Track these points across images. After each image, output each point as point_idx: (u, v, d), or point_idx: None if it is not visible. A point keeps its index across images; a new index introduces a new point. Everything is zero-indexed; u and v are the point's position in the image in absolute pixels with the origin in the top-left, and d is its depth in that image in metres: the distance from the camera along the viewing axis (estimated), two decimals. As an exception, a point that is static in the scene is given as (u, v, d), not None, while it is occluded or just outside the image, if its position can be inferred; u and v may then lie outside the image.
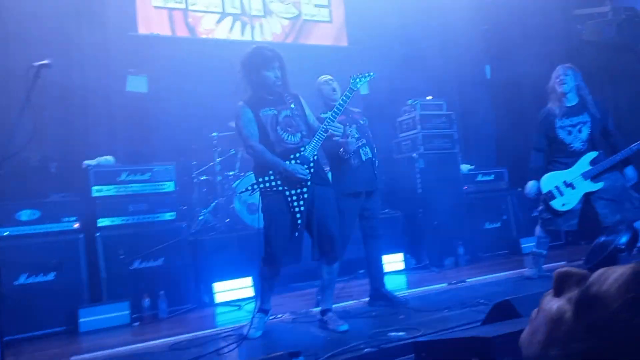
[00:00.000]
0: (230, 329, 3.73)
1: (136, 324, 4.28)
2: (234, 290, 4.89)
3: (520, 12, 6.61)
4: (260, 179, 3.43)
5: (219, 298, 4.81)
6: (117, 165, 4.83)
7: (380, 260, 4.23)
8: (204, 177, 5.67)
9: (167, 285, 4.49)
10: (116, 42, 5.73)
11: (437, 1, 6.69)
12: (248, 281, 4.96)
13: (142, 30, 6.16)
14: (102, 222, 4.56)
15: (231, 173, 5.60)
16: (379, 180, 4.17)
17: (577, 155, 4.23)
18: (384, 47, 6.63)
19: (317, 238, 3.43)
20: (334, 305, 3.67)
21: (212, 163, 5.60)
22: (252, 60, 3.47)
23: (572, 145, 4.24)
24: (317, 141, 3.45)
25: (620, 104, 6.34)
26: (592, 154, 4.20)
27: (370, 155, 4.03)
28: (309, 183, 3.37)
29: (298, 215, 3.36)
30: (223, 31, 6.67)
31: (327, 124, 3.45)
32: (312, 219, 3.41)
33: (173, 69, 5.84)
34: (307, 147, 3.43)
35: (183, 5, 6.45)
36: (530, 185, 4.41)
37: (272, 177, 3.38)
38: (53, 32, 5.23)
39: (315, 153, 3.45)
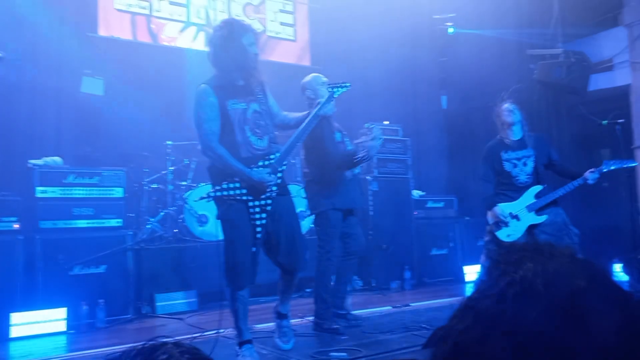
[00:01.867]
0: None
1: (72, 332, 4.12)
2: (176, 302, 4.79)
3: (477, 47, 6.87)
4: (223, 185, 3.02)
5: (160, 310, 4.70)
6: (64, 167, 4.68)
7: (351, 280, 4.25)
8: (154, 185, 5.56)
9: (107, 293, 4.35)
10: (73, 41, 5.60)
11: (398, 29, 6.87)
12: (192, 294, 4.87)
13: (102, 32, 6.06)
14: (44, 224, 4.39)
15: (183, 183, 5.53)
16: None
17: (522, 188, 4.38)
18: (345, 70, 6.73)
19: (285, 249, 3.16)
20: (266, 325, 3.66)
21: (164, 172, 5.51)
22: (228, 27, 2.98)
23: (517, 177, 4.39)
24: (288, 149, 3.13)
25: (564, 142, 6.64)
26: (537, 188, 4.35)
27: (357, 170, 4.04)
28: (274, 194, 3.07)
29: (259, 229, 3.03)
30: (186, 40, 6.63)
31: (301, 133, 3.17)
32: (279, 231, 3.14)
33: (131, 73, 5.76)
34: (276, 154, 3.09)
35: (147, 11, 6.39)
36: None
37: (236, 185, 3.00)
38: (6, 24, 5.07)
39: (285, 162, 3.17)
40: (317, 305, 3.89)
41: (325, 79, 4.01)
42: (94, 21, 6.00)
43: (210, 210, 5.20)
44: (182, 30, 6.61)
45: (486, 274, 0.65)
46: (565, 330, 0.56)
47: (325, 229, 3.86)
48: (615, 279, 0.61)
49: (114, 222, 4.68)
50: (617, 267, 5.68)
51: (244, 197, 3.02)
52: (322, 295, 3.87)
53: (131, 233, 4.76)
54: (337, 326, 3.78)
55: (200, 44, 6.70)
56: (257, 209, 3.03)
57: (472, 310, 0.62)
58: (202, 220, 5.20)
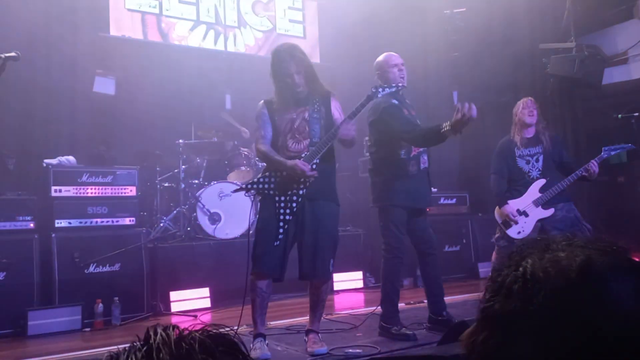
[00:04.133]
0: (184, 339, 3.66)
1: (87, 329, 4.16)
2: (190, 300, 4.81)
3: (489, 41, 6.81)
4: (255, 179, 3.28)
5: (174, 307, 4.72)
6: (78, 166, 4.72)
7: (440, 279, 3.79)
8: (167, 184, 5.59)
9: (122, 291, 4.38)
10: (86, 42, 5.65)
11: (408, 25, 6.83)
12: (205, 292, 4.89)
13: (114, 32, 6.09)
14: (59, 223, 4.43)
15: (195, 181, 5.55)
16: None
17: (532, 183, 4.35)
18: (354, 66, 6.72)
19: (304, 256, 3.19)
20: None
21: (176, 170, 5.53)
22: (271, 65, 3.28)
23: (530, 174, 4.36)
24: (316, 150, 3.17)
25: (578, 137, 6.58)
26: (541, 182, 4.32)
27: (427, 164, 3.74)
28: (301, 192, 3.15)
29: (281, 224, 3.14)
30: (196, 39, 6.65)
31: (332, 134, 3.18)
32: (302, 236, 3.18)
33: (142, 73, 5.79)
34: (306, 154, 3.17)
35: (157, 10, 6.41)
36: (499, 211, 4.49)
37: (265, 180, 3.22)
38: (20, 24, 5.12)
39: (315, 162, 3.18)
40: (382, 306, 3.66)
41: (392, 62, 3.69)
42: (105, 21, 6.03)
43: (223, 208, 5.22)
44: (192, 29, 6.63)
45: (490, 280, 0.66)
46: (579, 304, 0.56)
47: (386, 224, 3.65)
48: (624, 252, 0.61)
49: (128, 221, 4.71)
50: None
51: (271, 192, 3.20)
52: (388, 295, 3.63)
53: (145, 231, 4.79)
54: (409, 332, 3.51)
55: (210, 43, 6.72)
56: (282, 204, 3.16)
57: (485, 319, 0.63)
58: (214, 218, 5.21)
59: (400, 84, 3.47)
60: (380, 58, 3.77)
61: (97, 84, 5.67)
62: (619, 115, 4.89)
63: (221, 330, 0.69)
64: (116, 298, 4.30)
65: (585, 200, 6.14)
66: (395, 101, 3.64)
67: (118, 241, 4.51)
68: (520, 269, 0.62)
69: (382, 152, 3.71)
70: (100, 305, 4.23)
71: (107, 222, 4.62)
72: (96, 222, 4.57)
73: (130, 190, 4.75)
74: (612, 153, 4.27)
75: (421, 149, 3.67)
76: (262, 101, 3.37)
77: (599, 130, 6.92)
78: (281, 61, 3.23)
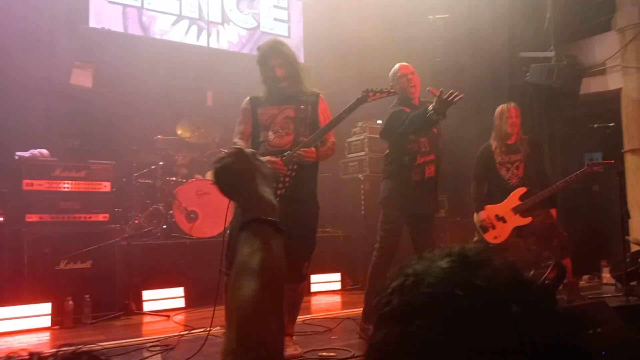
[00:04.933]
0: (156, 340, 3.60)
1: (57, 327, 4.06)
2: (164, 299, 4.74)
3: (471, 48, 6.86)
4: None
5: (147, 307, 4.64)
6: (51, 160, 4.60)
7: None
8: (143, 181, 5.50)
9: (94, 289, 4.29)
10: (64, 32, 5.52)
11: (393, 28, 6.84)
12: (180, 291, 4.82)
13: (93, 23, 5.97)
14: (31, 217, 4.32)
15: (173, 178, 5.46)
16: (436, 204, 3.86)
17: (512, 190, 4.39)
18: (338, 67, 6.70)
19: None
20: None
21: (153, 167, 5.44)
22: (257, 59, 3.29)
23: (509, 181, 4.40)
24: (295, 154, 3.11)
25: (554, 145, 6.66)
26: (522, 190, 4.36)
27: (434, 174, 3.69)
28: (279, 192, 3.08)
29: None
30: (178, 34, 6.56)
31: (316, 136, 3.14)
32: None
33: (121, 66, 5.68)
34: (288, 152, 3.11)
35: (138, 3, 6.31)
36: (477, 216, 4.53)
37: None
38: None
39: (294, 166, 3.12)
40: (364, 305, 3.69)
41: (396, 72, 3.76)
42: (85, 12, 5.91)
43: (200, 206, 5.15)
44: (174, 24, 6.54)
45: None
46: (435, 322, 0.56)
47: (380, 224, 3.72)
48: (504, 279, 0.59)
49: (101, 217, 4.61)
50: (605, 270, 5.72)
51: None
52: (369, 295, 3.66)
53: (119, 228, 4.70)
54: None
55: (192, 38, 6.63)
56: None
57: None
58: (191, 216, 5.14)
59: (392, 90, 3.46)
60: (392, 70, 3.83)
61: (74, 76, 5.55)
62: (595, 125, 4.96)
63: (83, 349, 0.74)
64: (87, 296, 4.21)
65: (561, 208, 6.22)
66: (405, 109, 3.68)
67: (91, 238, 4.41)
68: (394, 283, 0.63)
69: (391, 157, 3.79)
70: (71, 302, 4.13)
71: (80, 217, 4.51)
72: (69, 217, 4.46)
73: (105, 186, 4.66)
74: (595, 169, 4.33)
75: (427, 159, 3.66)
76: (248, 97, 3.36)
77: (575, 138, 7.03)
78: (264, 54, 3.25)
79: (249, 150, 1.03)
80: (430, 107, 3.32)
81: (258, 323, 0.77)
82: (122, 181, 5.36)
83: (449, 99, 3.25)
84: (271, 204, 0.97)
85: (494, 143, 4.46)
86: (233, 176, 1.00)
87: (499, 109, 4.50)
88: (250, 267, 0.83)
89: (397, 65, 3.82)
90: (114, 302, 4.46)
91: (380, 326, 0.62)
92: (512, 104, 4.49)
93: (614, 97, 6.42)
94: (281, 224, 0.93)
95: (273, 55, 3.22)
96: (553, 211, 4.44)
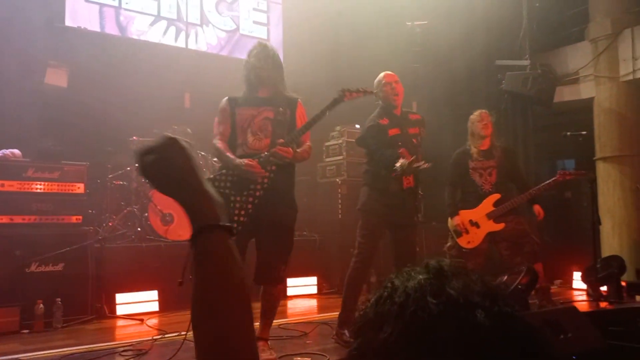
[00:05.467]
0: (129, 344, 3.55)
1: (26, 332, 3.97)
2: (138, 303, 4.68)
3: (448, 55, 6.94)
4: (211, 176, 3.19)
5: (120, 310, 4.57)
6: (24, 160, 4.51)
7: None
8: (118, 182, 5.42)
9: (65, 292, 4.21)
10: (38, 31, 5.42)
11: (372, 33, 6.89)
12: (154, 295, 4.77)
13: (69, 22, 5.89)
14: (1, 219, 4.22)
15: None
16: (416, 214, 3.89)
17: (485, 196, 4.45)
18: (317, 71, 6.72)
19: (257, 258, 3.17)
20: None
21: (128, 168, 5.37)
22: (245, 61, 3.31)
23: (482, 186, 4.46)
24: (272, 152, 3.09)
25: (529, 152, 6.77)
26: (495, 196, 4.43)
27: (413, 184, 3.69)
28: (258, 194, 3.06)
29: (234, 225, 3.00)
30: (156, 34, 6.50)
31: (293, 136, 3.14)
32: (259, 239, 3.16)
33: (98, 66, 5.61)
34: (265, 154, 3.10)
35: (116, 3, 6.24)
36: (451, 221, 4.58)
37: (222, 177, 3.10)
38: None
39: (272, 168, 3.10)
40: (340, 310, 3.67)
41: (380, 79, 3.80)
42: (62, 11, 5.82)
43: (176, 209, 5.10)
44: (152, 24, 6.48)
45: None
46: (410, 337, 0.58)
47: (360, 231, 3.72)
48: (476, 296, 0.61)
49: (75, 219, 4.53)
50: (577, 275, 5.83)
51: (226, 191, 3.08)
52: (344, 300, 3.65)
53: (92, 230, 4.62)
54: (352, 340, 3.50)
55: (170, 39, 6.58)
56: (237, 205, 3.06)
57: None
58: (167, 219, 5.09)
59: (368, 90, 3.47)
60: (378, 77, 3.86)
61: (49, 75, 5.46)
62: (568, 133, 5.06)
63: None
64: (58, 299, 4.12)
65: (533, 214, 6.32)
66: (381, 120, 3.72)
67: (63, 240, 4.34)
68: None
69: (369, 165, 3.82)
70: (41, 306, 4.05)
71: (53, 219, 4.43)
72: (41, 219, 4.37)
73: (79, 187, 4.58)
74: (567, 178, 4.42)
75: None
76: (227, 97, 3.34)
77: (549, 145, 7.16)
78: (256, 55, 3.25)
79: (182, 139, 0.91)
80: (398, 164, 3.46)
81: (232, 337, 0.77)
82: (96, 183, 5.28)
83: (417, 166, 3.51)
84: (220, 202, 0.88)
85: (467, 148, 4.53)
86: (172, 170, 0.87)
87: (471, 115, 4.58)
88: (220, 286, 0.79)
89: (382, 74, 3.86)
90: (86, 305, 4.38)
91: (356, 337, 0.64)
92: (483, 110, 4.57)
93: (587, 106, 6.56)
94: (233, 226, 0.86)
95: (263, 58, 3.23)
96: (537, 207, 4.47)
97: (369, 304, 0.65)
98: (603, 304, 4.76)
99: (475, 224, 4.43)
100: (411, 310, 0.59)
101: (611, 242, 6.13)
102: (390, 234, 3.80)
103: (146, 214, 5.10)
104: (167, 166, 0.88)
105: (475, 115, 4.54)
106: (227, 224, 0.84)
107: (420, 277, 0.63)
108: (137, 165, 0.92)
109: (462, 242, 4.45)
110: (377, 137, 3.70)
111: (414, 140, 3.74)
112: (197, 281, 0.80)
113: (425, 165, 3.53)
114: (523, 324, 0.60)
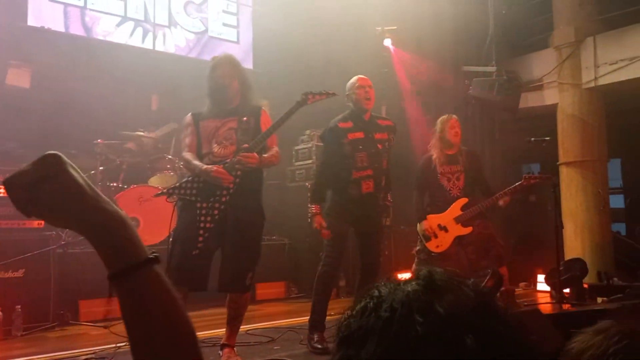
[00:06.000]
0: (91, 352, 3.46)
1: (-16, 340, 3.84)
2: (102, 309, 4.57)
3: (416, 60, 7.02)
4: (178, 184, 3.20)
5: (84, 317, 4.46)
6: (-18, 163, 4.37)
7: None
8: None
9: (26, 299, 4.09)
10: (0, 31, 5.26)
11: (342, 38, 6.92)
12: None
13: (32, 22, 5.74)
14: (-43, 224, 4.08)
15: (114, 184, 5.30)
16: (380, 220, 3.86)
17: (453, 200, 4.50)
18: (287, 74, 6.71)
19: (223, 266, 3.13)
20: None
21: (92, 172, 5.25)
22: (209, 72, 3.28)
23: (450, 191, 4.51)
24: (237, 160, 3.08)
25: (495, 156, 6.90)
26: (463, 200, 4.49)
27: (373, 189, 3.67)
28: (224, 200, 3.06)
29: (201, 232, 3.02)
30: (122, 36, 6.39)
31: (257, 141, 3.11)
32: (224, 246, 3.12)
33: (62, 67, 5.48)
34: (228, 161, 3.10)
35: (81, 3, 6.11)
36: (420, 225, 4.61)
37: (188, 185, 3.11)
38: None
39: (238, 173, 3.09)
40: (310, 314, 3.64)
41: (353, 82, 3.78)
42: (24, 10, 5.67)
43: (142, 213, 5.01)
44: (118, 25, 6.37)
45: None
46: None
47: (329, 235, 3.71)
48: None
49: (36, 224, 4.41)
50: (540, 278, 5.96)
51: (193, 198, 3.09)
52: (313, 304, 3.64)
53: (54, 235, 4.50)
54: (319, 346, 3.43)
55: (137, 41, 6.48)
56: (204, 211, 3.06)
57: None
58: (133, 223, 4.99)
59: (331, 93, 3.49)
60: (350, 80, 3.84)
61: (10, 76, 5.30)
62: (532, 139, 5.17)
63: None
64: (18, 306, 4.00)
65: (499, 218, 6.44)
66: (343, 123, 3.73)
67: (24, 245, 4.22)
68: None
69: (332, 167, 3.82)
70: (0, 313, 3.92)
71: (14, 224, 4.30)
72: (0, 223, 4.24)
73: (41, 191, 4.45)
74: (532, 182, 4.51)
75: (363, 174, 3.66)
76: (190, 113, 3.34)
77: (514, 150, 7.31)
78: (217, 68, 3.24)
79: (55, 153, 0.74)
80: (311, 211, 3.66)
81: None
82: (60, 186, 5.13)
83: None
84: (124, 218, 0.74)
85: (434, 153, 4.56)
86: (58, 196, 0.70)
87: (440, 119, 4.62)
88: (163, 336, 0.70)
89: (356, 77, 3.85)
90: (48, 312, 4.26)
91: (337, 350, 0.60)
92: (453, 116, 4.61)
93: (551, 111, 6.72)
94: (156, 253, 0.73)
95: (228, 70, 3.23)
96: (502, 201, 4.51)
97: (353, 312, 0.61)
98: (566, 306, 4.87)
99: (444, 228, 4.48)
100: (396, 329, 0.55)
101: (574, 245, 6.29)
102: (356, 240, 3.82)
103: (111, 218, 4.99)
104: (51, 192, 0.70)
105: (444, 119, 4.57)
106: (152, 256, 0.72)
107: (409, 289, 0.59)
108: (17, 199, 0.72)
109: (431, 246, 4.49)
110: (333, 140, 3.73)
111: (378, 146, 3.73)
112: (134, 333, 0.70)
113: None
114: (517, 347, 0.56)
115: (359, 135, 3.69)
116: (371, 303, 0.60)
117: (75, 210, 0.71)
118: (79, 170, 0.74)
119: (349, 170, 3.64)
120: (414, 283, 0.60)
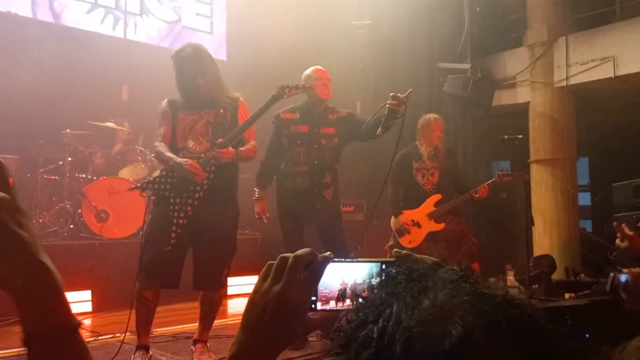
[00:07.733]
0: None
1: (-56, 336, 3.71)
2: (70, 303, 4.46)
3: (392, 56, 7.03)
4: (151, 178, 3.13)
5: (50, 311, 4.35)
6: (-57, 152, 4.21)
7: None
8: (49, 177, 5.15)
9: (-11, 293, 3.95)
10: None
11: (317, 31, 6.88)
12: (87, 294, 4.57)
13: (-2, 6, 5.53)
14: None
15: (82, 176, 5.17)
16: (326, 217, 3.69)
17: (426, 196, 4.53)
18: (262, 66, 6.63)
19: (197, 263, 3.09)
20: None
21: (61, 162, 5.12)
22: (175, 65, 3.14)
23: (424, 187, 4.54)
24: (211, 155, 3.01)
25: (467, 153, 6.97)
26: (437, 197, 4.52)
27: (308, 185, 3.60)
28: (197, 195, 3.01)
29: (174, 228, 2.97)
30: (92, 23, 6.22)
31: (232, 136, 3.04)
32: (197, 243, 3.06)
33: (28, 54, 5.30)
34: (205, 155, 3.02)
35: (50, -12, 5.92)
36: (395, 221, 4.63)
37: (162, 179, 3.04)
38: None
39: (212, 168, 3.02)
40: None
41: (311, 74, 3.67)
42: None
43: (112, 206, 4.91)
44: (88, 12, 6.19)
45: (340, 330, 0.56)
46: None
47: (280, 232, 3.75)
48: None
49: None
50: (510, 273, 6.05)
51: (166, 193, 3.03)
52: None
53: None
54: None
55: (107, 28, 6.32)
56: (177, 207, 3.00)
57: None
58: (101, 216, 4.88)
59: (307, 86, 3.46)
60: (307, 71, 3.75)
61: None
62: (505, 136, 5.23)
63: None
64: (-19, 301, 3.87)
65: (470, 215, 6.52)
66: (288, 114, 3.69)
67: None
68: (380, 322, 0.50)
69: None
70: (-38, 308, 3.79)
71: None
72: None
73: (6, 182, 4.31)
74: (505, 179, 4.56)
75: (299, 169, 3.63)
76: (166, 100, 3.21)
77: (486, 148, 7.40)
78: (184, 61, 3.11)
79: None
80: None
81: None
82: (26, 177, 5.01)
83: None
84: (58, 281, 0.64)
85: (411, 149, 4.59)
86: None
87: (426, 118, 4.61)
88: None
89: (313, 67, 3.75)
90: (12, 306, 4.13)
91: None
92: (437, 116, 4.63)
93: (523, 110, 6.81)
94: (79, 323, 0.67)
95: (195, 62, 3.11)
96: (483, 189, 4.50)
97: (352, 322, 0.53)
98: (534, 301, 4.96)
99: (417, 224, 4.51)
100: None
101: (542, 241, 6.40)
102: (320, 234, 3.78)
103: (79, 210, 4.88)
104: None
105: (429, 120, 4.58)
106: (75, 323, 0.66)
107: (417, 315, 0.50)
108: None
109: (404, 241, 4.51)
110: (274, 130, 3.73)
111: (322, 141, 3.65)
112: None
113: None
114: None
115: (302, 129, 3.64)
116: (370, 351, 0.51)
117: (10, 262, 0.61)
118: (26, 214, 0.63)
119: (287, 163, 3.66)
120: (445, 345, 0.49)
